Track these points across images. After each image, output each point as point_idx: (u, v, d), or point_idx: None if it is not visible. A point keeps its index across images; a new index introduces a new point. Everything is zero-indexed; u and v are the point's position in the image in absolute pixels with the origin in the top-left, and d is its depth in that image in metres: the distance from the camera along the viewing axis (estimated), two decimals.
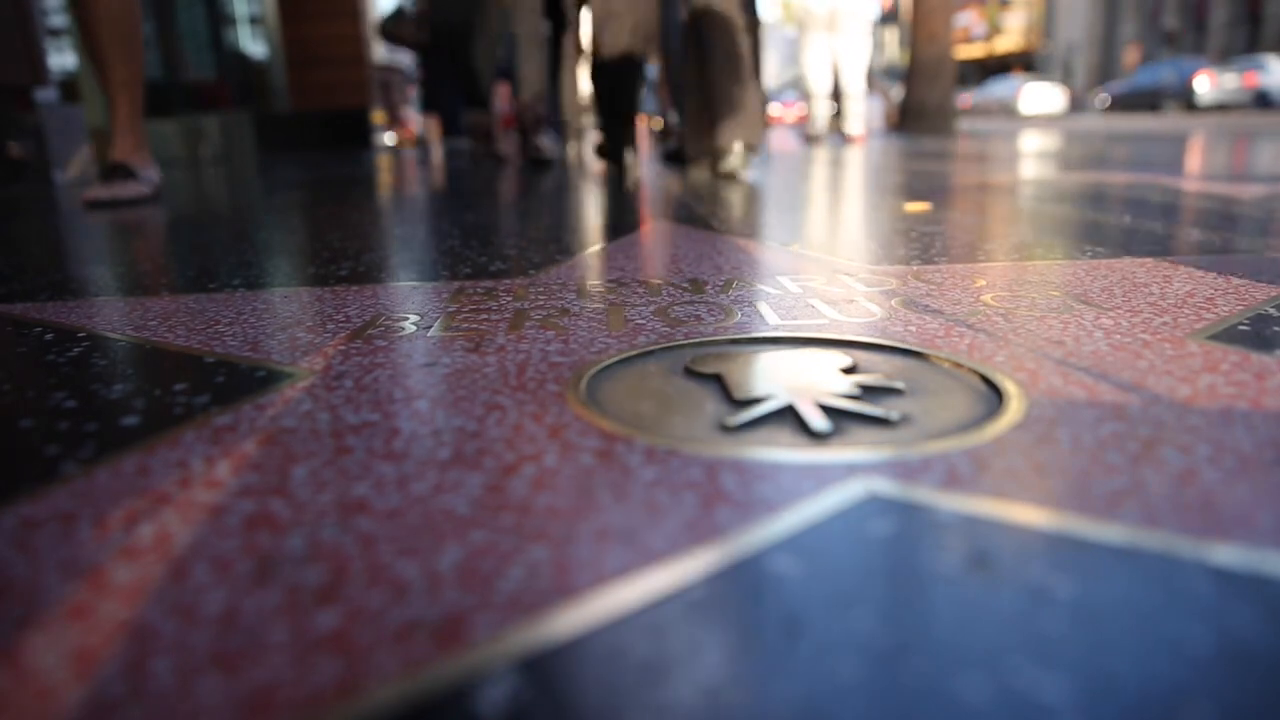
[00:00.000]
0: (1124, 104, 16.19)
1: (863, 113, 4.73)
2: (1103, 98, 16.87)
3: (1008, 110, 17.06)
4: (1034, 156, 2.75)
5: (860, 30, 4.64)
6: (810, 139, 4.66)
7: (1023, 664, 0.23)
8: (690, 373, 0.49)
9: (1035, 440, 0.38)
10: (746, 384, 0.46)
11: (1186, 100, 14.21)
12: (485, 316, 0.66)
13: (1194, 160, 2.31)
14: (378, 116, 5.86)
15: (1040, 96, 17.58)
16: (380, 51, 6.42)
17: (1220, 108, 13.30)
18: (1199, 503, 0.31)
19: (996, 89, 18.57)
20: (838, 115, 4.86)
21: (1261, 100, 12.68)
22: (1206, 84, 13.91)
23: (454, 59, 4.09)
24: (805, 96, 4.85)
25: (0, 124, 2.77)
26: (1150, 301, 0.64)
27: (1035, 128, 6.39)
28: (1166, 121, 6.90)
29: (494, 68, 3.40)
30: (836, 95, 4.79)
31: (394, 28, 4.64)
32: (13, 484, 0.36)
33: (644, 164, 2.66)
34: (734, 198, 1.58)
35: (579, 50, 3.35)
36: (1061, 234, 1.02)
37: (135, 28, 1.78)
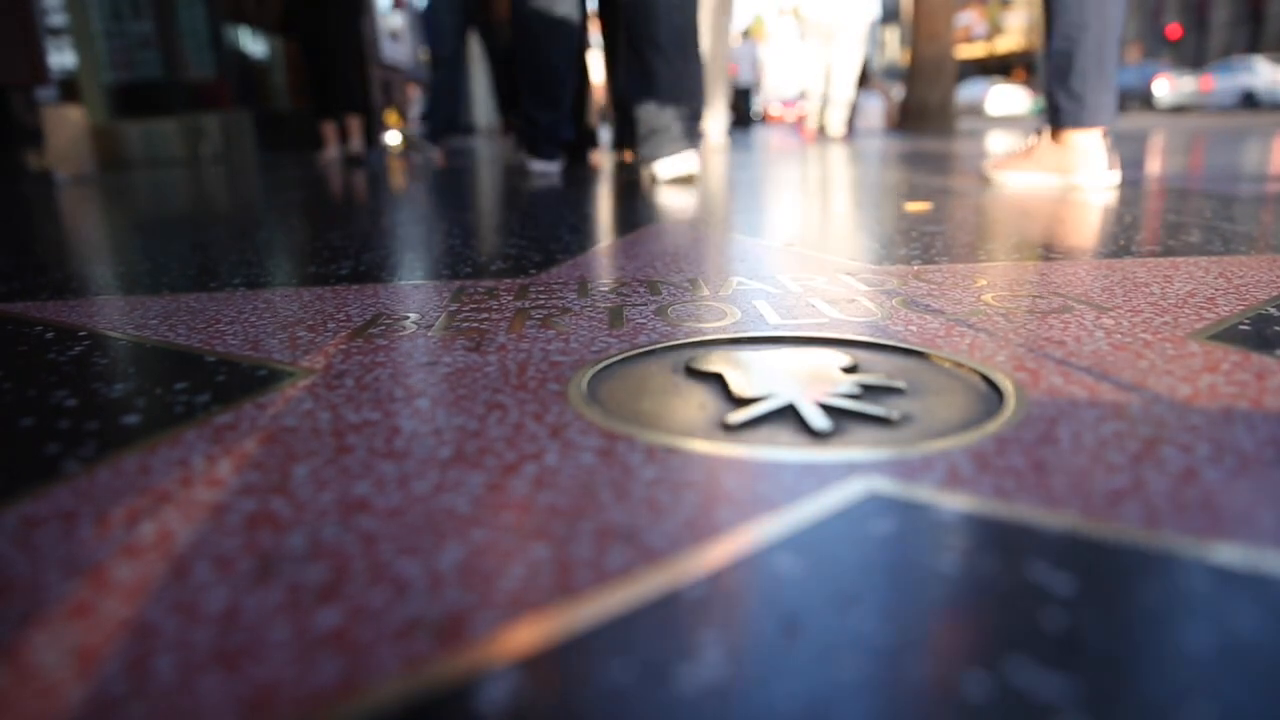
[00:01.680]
0: None
1: (845, 116, 5.25)
2: None
3: (976, 112, 17.59)
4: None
5: (852, 41, 5.15)
6: (813, 134, 5.22)
7: (1023, 663, 0.23)
8: (691, 372, 0.49)
9: (1036, 440, 0.38)
10: (747, 383, 0.46)
11: (1147, 102, 15.39)
12: (486, 316, 0.66)
13: (1180, 160, 2.31)
14: (390, 118, 5.84)
15: (1007, 98, 18.50)
16: (384, 51, 6.39)
17: (1179, 109, 14.24)
18: (1199, 502, 0.32)
19: (966, 91, 19.21)
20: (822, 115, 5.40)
21: (1248, 100, 13.17)
22: (1165, 87, 15.09)
23: (310, 41, 3.80)
24: (803, 98, 5.38)
25: (1, 123, 2.77)
26: (1151, 301, 0.64)
27: (1003, 128, 6.48)
28: (1130, 121, 7.00)
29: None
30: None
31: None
32: (14, 482, 0.36)
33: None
34: (733, 197, 1.58)
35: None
36: (1060, 234, 1.02)
37: None
